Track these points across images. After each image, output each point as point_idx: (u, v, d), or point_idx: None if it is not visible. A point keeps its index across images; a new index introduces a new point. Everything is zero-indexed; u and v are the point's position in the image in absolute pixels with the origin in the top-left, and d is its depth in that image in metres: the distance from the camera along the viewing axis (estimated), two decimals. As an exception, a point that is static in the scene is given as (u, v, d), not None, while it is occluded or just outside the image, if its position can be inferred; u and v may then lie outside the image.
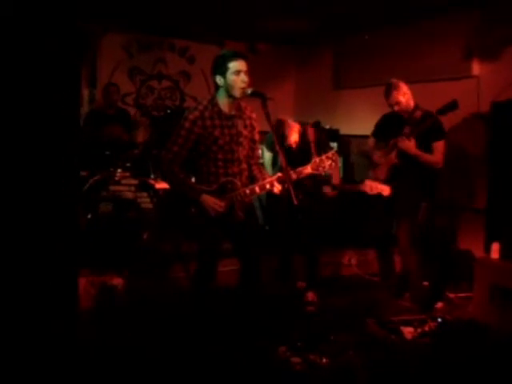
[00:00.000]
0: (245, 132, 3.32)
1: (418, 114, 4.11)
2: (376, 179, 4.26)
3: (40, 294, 2.39)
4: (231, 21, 6.43)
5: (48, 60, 2.14)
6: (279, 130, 4.31)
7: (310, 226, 4.42)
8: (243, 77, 3.13)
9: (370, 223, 5.08)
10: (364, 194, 4.20)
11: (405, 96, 4.13)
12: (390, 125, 4.31)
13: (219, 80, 3.18)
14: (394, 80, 4.18)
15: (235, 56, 3.15)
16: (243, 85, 3.13)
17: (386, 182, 4.22)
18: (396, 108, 4.17)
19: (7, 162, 2.11)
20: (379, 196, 4.13)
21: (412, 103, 4.18)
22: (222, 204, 3.19)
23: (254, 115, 3.39)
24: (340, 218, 5.82)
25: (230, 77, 3.13)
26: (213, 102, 3.24)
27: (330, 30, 6.86)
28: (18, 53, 2.08)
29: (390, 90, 4.15)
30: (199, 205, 3.19)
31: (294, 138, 4.39)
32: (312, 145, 4.38)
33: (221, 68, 3.14)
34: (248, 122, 3.35)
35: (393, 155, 4.18)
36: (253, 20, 6.35)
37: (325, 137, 4.57)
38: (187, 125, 3.19)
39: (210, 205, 3.17)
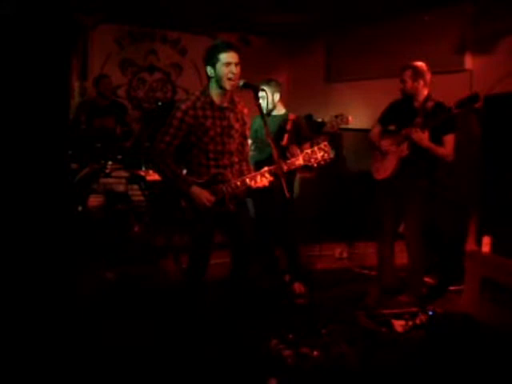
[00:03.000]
0: (236, 125, 3.30)
1: (430, 104, 4.01)
2: (383, 170, 4.17)
3: (35, 289, 2.37)
4: (224, 13, 6.39)
5: (38, 52, 2.11)
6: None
7: (289, 218, 4.38)
8: (232, 68, 3.11)
9: (370, 215, 5.04)
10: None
11: (415, 81, 4.02)
12: (400, 112, 4.17)
13: (210, 71, 3.17)
14: (416, 62, 4.09)
15: (227, 47, 3.13)
16: (231, 76, 3.11)
17: (394, 173, 4.10)
18: (400, 86, 4.08)
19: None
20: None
21: (425, 92, 4.06)
22: (211, 198, 3.17)
23: (246, 110, 3.37)
24: (332, 210, 5.83)
25: (220, 68, 3.11)
26: (205, 93, 3.22)
27: (323, 23, 6.85)
28: (8, 45, 2.05)
29: (403, 68, 4.08)
30: (189, 197, 3.17)
31: None
32: (286, 135, 4.25)
33: (212, 59, 3.13)
34: (240, 115, 3.33)
35: (404, 146, 4.01)
36: (246, 12, 6.32)
37: (309, 129, 4.40)
38: (179, 115, 3.17)
39: (200, 197, 3.15)
